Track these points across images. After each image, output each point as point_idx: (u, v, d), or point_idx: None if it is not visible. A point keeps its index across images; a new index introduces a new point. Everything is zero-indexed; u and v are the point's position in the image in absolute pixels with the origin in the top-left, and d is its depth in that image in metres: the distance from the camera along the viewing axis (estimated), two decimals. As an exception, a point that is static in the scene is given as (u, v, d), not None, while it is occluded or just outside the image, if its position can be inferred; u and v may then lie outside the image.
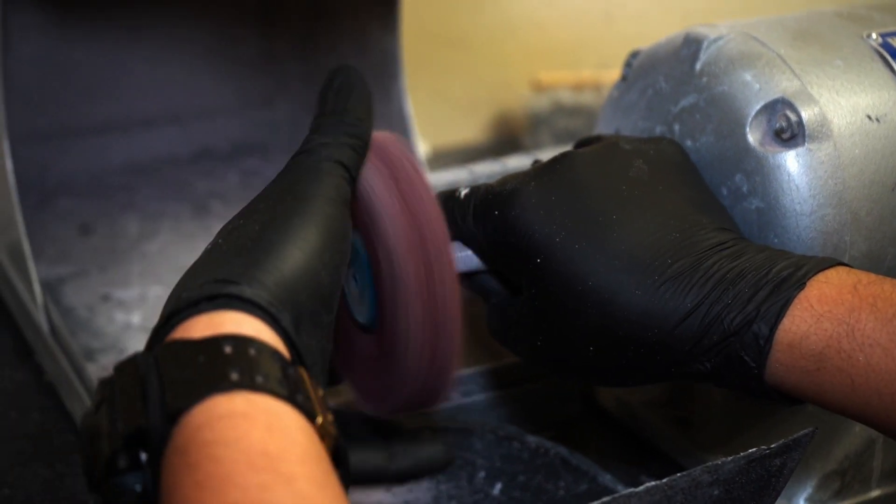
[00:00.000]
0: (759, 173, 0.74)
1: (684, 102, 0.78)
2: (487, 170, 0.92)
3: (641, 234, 0.69)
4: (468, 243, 0.74)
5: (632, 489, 0.62)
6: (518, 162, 0.94)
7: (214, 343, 0.55)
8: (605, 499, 0.61)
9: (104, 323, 0.95)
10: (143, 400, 0.54)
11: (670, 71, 0.79)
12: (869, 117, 0.76)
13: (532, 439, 0.85)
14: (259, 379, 0.54)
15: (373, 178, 0.67)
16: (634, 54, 0.83)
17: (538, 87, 1.29)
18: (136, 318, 0.96)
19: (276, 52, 1.16)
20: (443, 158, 1.22)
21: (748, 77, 0.76)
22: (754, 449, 0.64)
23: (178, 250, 1.05)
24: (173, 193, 1.12)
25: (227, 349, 0.55)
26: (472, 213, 0.73)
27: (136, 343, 0.93)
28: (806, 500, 0.80)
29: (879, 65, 0.78)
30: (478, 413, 0.87)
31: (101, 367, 0.90)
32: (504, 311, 0.75)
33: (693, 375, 0.69)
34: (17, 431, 0.87)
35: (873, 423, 0.66)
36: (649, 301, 0.67)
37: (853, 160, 0.75)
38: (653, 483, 0.62)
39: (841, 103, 0.75)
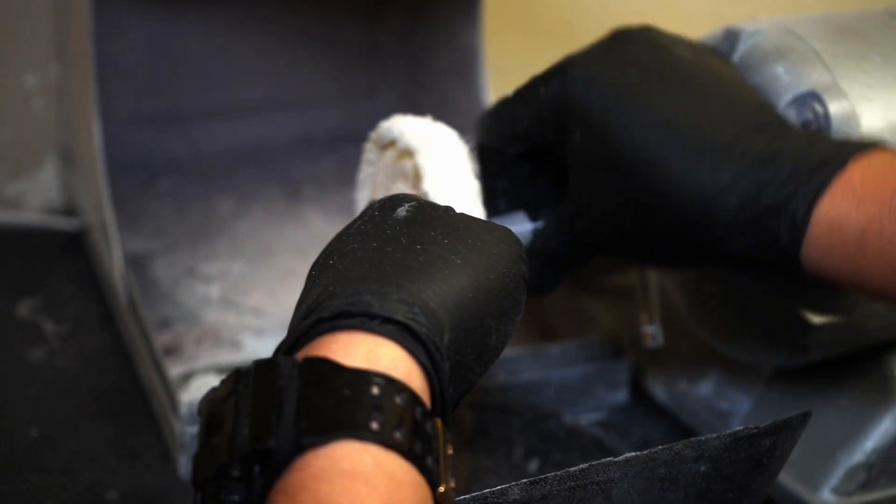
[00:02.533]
0: (786, 165, 0.75)
1: (721, 94, 0.79)
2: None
3: (683, 108, 0.68)
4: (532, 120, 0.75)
5: (611, 458, 0.63)
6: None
7: (364, 379, 0.53)
8: (582, 465, 0.63)
9: (184, 294, 1.00)
10: (278, 417, 0.52)
11: (711, 63, 0.81)
12: (901, 113, 0.76)
13: (569, 420, 0.87)
14: (397, 435, 0.52)
15: None
16: (684, 48, 0.85)
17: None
18: (215, 291, 1.01)
19: (378, 44, 1.20)
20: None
21: (780, 70, 0.77)
22: (741, 427, 0.65)
23: (268, 231, 1.10)
24: (270, 177, 1.16)
25: (376, 390, 0.53)
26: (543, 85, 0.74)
27: (212, 314, 0.98)
28: (831, 490, 0.80)
29: (919, 61, 0.78)
30: (522, 393, 0.90)
31: (173, 335, 0.95)
32: (572, 212, 0.73)
33: (731, 258, 0.67)
34: (91, 389, 0.92)
35: None
36: (689, 173, 0.66)
37: (881, 155, 0.75)
38: (633, 453, 0.63)
39: (873, 98, 0.76)
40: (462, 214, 0.64)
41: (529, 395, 0.90)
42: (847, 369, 0.83)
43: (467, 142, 0.74)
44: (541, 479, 0.61)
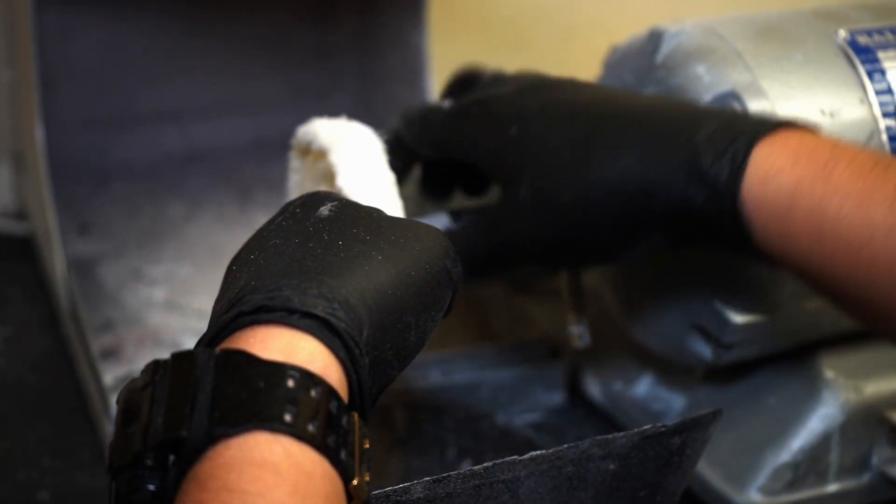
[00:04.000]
0: (706, 164, 0.76)
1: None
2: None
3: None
4: (450, 148, 0.76)
5: (517, 456, 0.63)
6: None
7: (280, 371, 0.53)
8: (487, 464, 0.63)
9: (129, 297, 1.01)
10: (192, 407, 0.52)
11: (636, 65, 0.81)
12: (822, 112, 0.76)
13: (502, 420, 0.87)
14: (310, 428, 0.53)
15: None
16: (612, 51, 0.85)
17: (598, 88, 1.31)
18: (160, 294, 1.01)
19: (328, 47, 1.21)
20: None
21: (701, 69, 0.77)
22: (650, 425, 0.65)
23: (218, 234, 1.10)
24: (221, 181, 1.17)
25: (291, 382, 0.53)
26: (464, 117, 0.76)
27: (155, 317, 0.98)
28: (758, 489, 0.80)
29: (842, 61, 0.79)
30: (457, 394, 0.90)
31: (114, 338, 0.95)
32: (495, 217, 0.74)
33: (671, 224, 0.69)
34: (30, 391, 0.92)
35: (831, 286, 0.65)
36: (630, 145, 0.69)
37: (801, 154, 0.75)
38: (539, 452, 0.64)
39: (793, 97, 0.77)
40: (386, 214, 0.65)
41: (464, 396, 0.90)
42: (776, 369, 0.83)
43: (381, 136, 0.74)
44: (444, 477, 0.61)
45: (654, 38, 0.80)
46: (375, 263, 0.59)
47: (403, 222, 0.64)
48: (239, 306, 0.56)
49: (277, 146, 1.21)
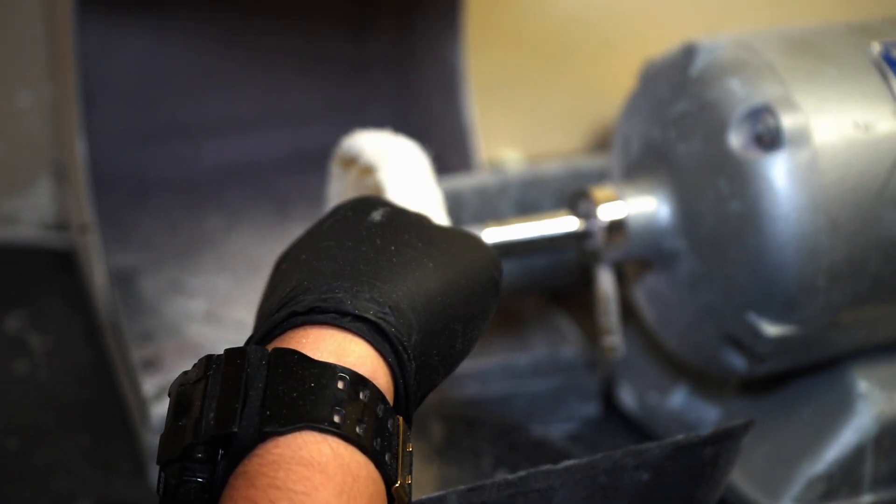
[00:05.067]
0: (740, 177, 0.77)
1: (679, 108, 0.81)
2: (521, 173, 0.96)
3: None
4: None
5: (551, 465, 0.64)
6: (551, 167, 0.97)
7: (330, 373, 0.54)
8: (521, 473, 0.63)
9: (169, 308, 1.02)
10: (243, 404, 0.53)
11: (671, 78, 0.82)
12: (856, 125, 0.77)
13: (537, 432, 0.88)
14: (358, 430, 0.53)
15: None
16: (648, 64, 0.86)
17: (634, 102, 1.32)
18: (199, 305, 1.02)
19: (366, 61, 1.22)
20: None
21: (735, 83, 0.78)
22: (682, 435, 0.66)
23: (256, 247, 1.11)
24: (259, 194, 1.18)
25: (340, 384, 0.54)
26: None
27: (194, 328, 0.99)
28: (792, 499, 0.81)
29: (875, 74, 0.79)
30: (493, 405, 0.91)
31: (154, 348, 0.96)
32: None
33: None
34: (71, 402, 0.94)
35: None
36: None
37: (834, 167, 0.76)
38: (572, 461, 0.64)
39: (826, 111, 0.77)
40: (435, 223, 0.65)
41: (500, 407, 0.91)
42: (809, 381, 0.84)
43: (428, 153, 0.75)
44: (479, 485, 0.62)
45: (689, 53, 0.81)
46: (427, 270, 0.60)
47: (453, 231, 0.65)
48: (291, 305, 0.57)
49: (315, 159, 1.22)
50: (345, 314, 0.56)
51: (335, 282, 0.58)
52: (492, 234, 0.79)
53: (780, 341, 0.78)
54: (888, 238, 0.77)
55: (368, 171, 0.75)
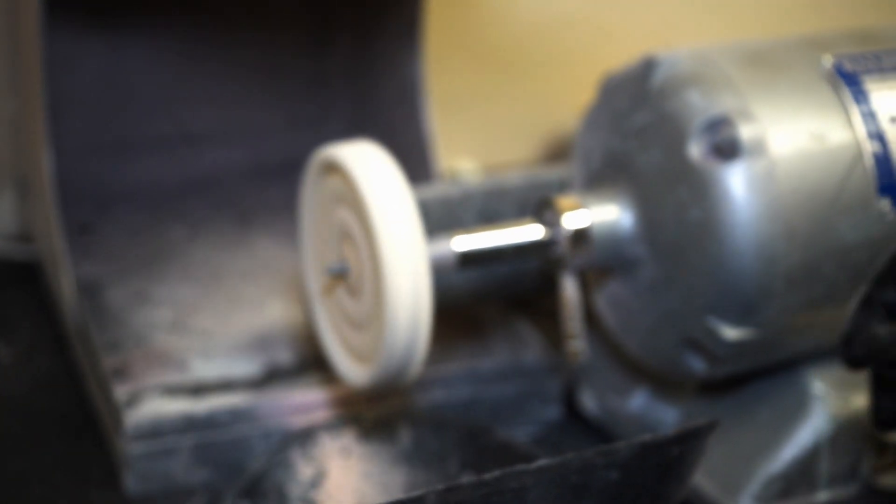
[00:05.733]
0: (700, 186, 0.79)
1: (640, 120, 0.83)
2: (484, 184, 0.98)
3: None
4: None
5: (524, 465, 0.66)
6: (513, 177, 0.99)
7: None
8: (496, 473, 0.66)
9: (134, 318, 1.03)
10: None
11: (630, 90, 0.84)
12: (810, 136, 0.80)
13: (502, 435, 0.90)
14: None
15: None
16: (607, 77, 0.88)
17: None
18: (164, 315, 1.04)
19: (324, 76, 1.24)
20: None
21: (694, 95, 0.81)
22: (650, 435, 0.68)
23: (220, 257, 1.13)
24: (220, 205, 1.19)
25: None
26: None
27: (160, 336, 1.01)
28: (751, 497, 0.83)
29: (827, 87, 0.82)
30: (455, 410, 0.93)
31: (122, 357, 0.98)
32: None
33: None
34: (41, 411, 0.95)
35: None
36: None
37: (790, 176, 0.79)
38: (545, 461, 0.66)
39: (782, 122, 0.80)
40: None
41: (465, 411, 0.93)
42: (767, 383, 0.86)
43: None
44: (455, 485, 0.64)
45: (649, 65, 0.83)
46: None
47: None
48: None
49: (275, 171, 1.24)
50: None
51: None
52: (460, 243, 0.81)
53: (739, 344, 0.80)
54: (841, 245, 0.80)
55: (344, 178, 0.77)
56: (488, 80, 1.34)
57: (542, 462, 0.66)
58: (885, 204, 0.81)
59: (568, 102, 1.37)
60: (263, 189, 1.22)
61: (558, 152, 1.38)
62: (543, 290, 1.00)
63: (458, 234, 0.82)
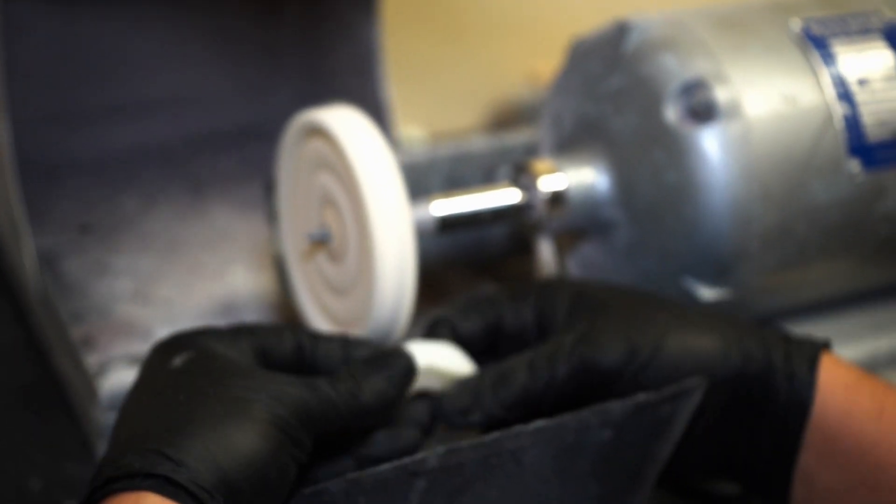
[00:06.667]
0: (676, 149, 0.80)
1: (614, 84, 0.84)
2: (449, 148, 0.99)
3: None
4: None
5: (522, 426, 0.67)
6: (478, 142, 1.00)
7: None
8: (495, 434, 0.66)
9: (95, 288, 1.02)
10: None
11: (603, 54, 0.85)
12: (783, 98, 0.81)
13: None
14: None
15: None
16: (577, 42, 0.89)
17: (533, 78, 1.36)
18: (125, 285, 1.03)
19: (276, 41, 1.23)
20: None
21: (669, 59, 0.81)
22: (643, 394, 0.69)
23: (174, 225, 1.12)
24: (173, 174, 1.18)
25: None
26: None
27: (123, 306, 1.00)
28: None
29: (797, 50, 0.83)
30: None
31: (87, 328, 0.97)
32: None
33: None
34: (6, 384, 0.94)
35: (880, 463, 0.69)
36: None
37: (765, 138, 0.80)
38: (542, 422, 0.67)
39: (755, 84, 0.81)
40: (239, 365, 0.66)
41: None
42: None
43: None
44: (456, 447, 0.65)
45: (621, 30, 0.84)
46: (217, 416, 0.62)
47: (255, 375, 0.66)
48: (94, 482, 0.61)
49: (227, 140, 1.24)
50: (135, 475, 0.60)
51: (127, 446, 0.61)
52: (439, 207, 0.81)
53: (714, 305, 0.82)
54: (813, 205, 0.82)
55: (329, 143, 0.77)
56: (435, 47, 1.35)
57: (539, 423, 0.67)
58: (854, 165, 0.82)
59: (514, 70, 1.38)
60: (216, 157, 1.21)
61: (503, 119, 1.39)
62: (507, 254, 1.01)
63: (436, 198, 0.82)
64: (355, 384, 0.67)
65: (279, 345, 0.70)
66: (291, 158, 0.82)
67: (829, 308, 0.88)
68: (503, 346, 0.76)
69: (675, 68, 0.81)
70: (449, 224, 0.82)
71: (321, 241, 0.80)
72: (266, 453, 0.62)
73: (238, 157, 1.21)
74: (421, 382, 0.73)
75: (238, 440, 0.61)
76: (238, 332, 0.70)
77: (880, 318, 0.89)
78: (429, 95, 1.34)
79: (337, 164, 0.76)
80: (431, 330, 0.77)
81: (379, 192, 0.74)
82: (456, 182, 0.97)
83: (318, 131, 0.78)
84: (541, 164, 0.84)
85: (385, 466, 0.64)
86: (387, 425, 0.70)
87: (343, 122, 0.76)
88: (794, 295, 0.85)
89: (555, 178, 0.84)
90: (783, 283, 0.84)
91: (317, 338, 0.72)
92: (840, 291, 0.87)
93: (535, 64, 1.36)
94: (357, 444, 0.69)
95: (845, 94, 0.83)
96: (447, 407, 0.72)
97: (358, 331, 0.79)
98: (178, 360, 0.66)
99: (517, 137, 1.00)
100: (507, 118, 1.39)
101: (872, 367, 0.84)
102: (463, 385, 0.72)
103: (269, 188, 0.90)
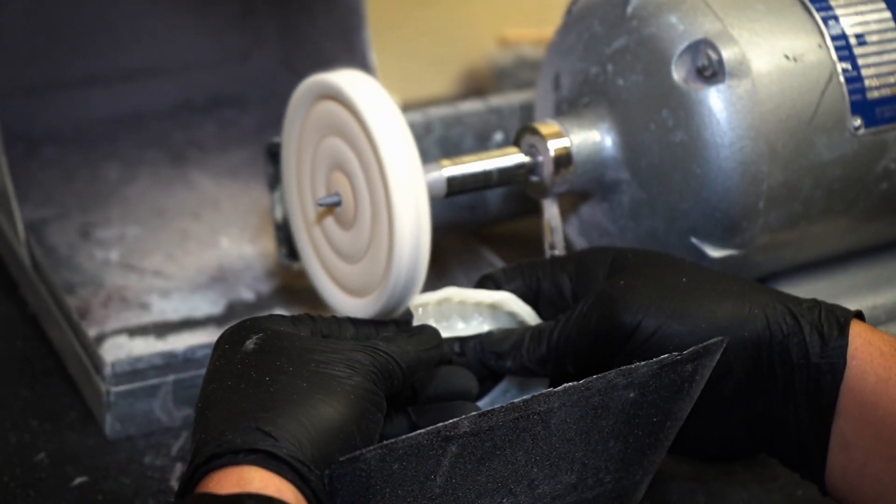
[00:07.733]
0: (683, 108, 0.80)
1: (617, 44, 0.84)
2: (443, 112, 0.98)
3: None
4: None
5: (551, 388, 0.67)
6: (470, 106, 1.00)
7: (238, 500, 0.59)
8: (526, 396, 0.66)
9: (84, 259, 1.01)
10: None
11: (605, 16, 0.85)
12: (786, 57, 0.81)
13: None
14: None
15: None
16: (575, 2, 0.89)
17: (504, 44, 1.35)
18: (113, 255, 1.02)
19: (252, 7, 1.22)
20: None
21: (674, 19, 0.82)
22: (666, 354, 0.69)
23: (156, 194, 1.11)
24: (153, 142, 1.18)
25: None
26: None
27: (114, 277, 0.99)
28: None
29: (799, 9, 0.84)
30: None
31: (80, 299, 0.96)
32: None
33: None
34: (2, 356, 0.93)
35: None
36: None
37: (770, 96, 0.81)
38: (570, 384, 0.67)
39: (760, 44, 0.81)
40: (309, 340, 0.69)
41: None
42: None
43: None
44: (489, 411, 0.65)
45: (624, -10, 0.84)
46: (302, 391, 0.65)
47: (325, 348, 0.68)
48: (196, 460, 0.62)
49: (205, 107, 1.23)
50: (237, 452, 0.61)
51: (225, 425, 0.63)
52: (449, 170, 0.81)
53: (721, 263, 0.82)
54: (818, 162, 0.82)
55: (351, 108, 0.76)
56: (406, 13, 1.34)
57: (567, 385, 0.67)
58: (857, 122, 0.83)
59: (484, 36, 1.38)
60: (194, 125, 1.20)
61: (476, 86, 1.38)
62: (501, 218, 1.01)
63: (445, 163, 0.82)
64: (404, 341, 0.71)
65: (338, 334, 0.73)
66: (298, 123, 0.81)
67: (827, 265, 0.89)
68: (543, 310, 0.78)
69: (681, 29, 0.81)
70: (457, 187, 0.82)
71: (332, 206, 0.79)
72: (352, 422, 0.64)
73: (216, 124, 1.20)
74: (493, 322, 0.76)
75: (327, 413, 0.63)
76: (299, 318, 0.72)
77: (879, 274, 0.89)
78: (398, 63, 1.33)
79: (350, 129, 0.76)
80: (480, 285, 0.79)
81: (398, 157, 0.74)
82: (450, 145, 0.96)
83: (329, 95, 0.78)
84: (546, 126, 0.84)
85: (419, 432, 0.64)
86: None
87: (357, 85, 0.76)
88: (795, 253, 0.86)
89: (560, 141, 0.83)
90: (787, 241, 0.84)
91: (375, 325, 0.74)
92: (840, 248, 0.88)
93: (505, 31, 1.37)
94: (407, 404, 0.72)
95: (848, 54, 0.83)
96: (486, 347, 0.75)
97: (370, 297, 0.78)
98: (250, 344, 0.68)
99: (511, 99, 1.00)
100: (478, 85, 1.38)
101: (873, 323, 0.85)
102: (507, 332, 0.75)
103: (270, 154, 0.89)
